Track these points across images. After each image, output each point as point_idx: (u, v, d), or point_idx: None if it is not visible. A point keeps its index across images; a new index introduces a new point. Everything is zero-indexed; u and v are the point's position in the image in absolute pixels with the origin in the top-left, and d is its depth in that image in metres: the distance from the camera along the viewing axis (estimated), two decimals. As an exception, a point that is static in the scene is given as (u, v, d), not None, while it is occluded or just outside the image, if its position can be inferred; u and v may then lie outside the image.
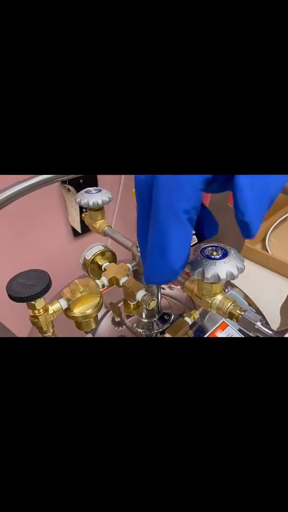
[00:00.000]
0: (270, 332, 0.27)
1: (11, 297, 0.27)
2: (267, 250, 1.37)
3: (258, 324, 0.27)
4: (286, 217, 1.48)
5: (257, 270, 1.27)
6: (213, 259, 0.27)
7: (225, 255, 0.28)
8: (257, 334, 0.27)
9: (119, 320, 0.52)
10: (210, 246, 0.29)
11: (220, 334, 0.43)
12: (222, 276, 0.26)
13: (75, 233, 0.95)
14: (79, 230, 0.88)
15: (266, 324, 0.28)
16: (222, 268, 0.26)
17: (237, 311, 0.29)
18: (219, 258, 0.27)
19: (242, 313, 0.28)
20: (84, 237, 0.98)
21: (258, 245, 1.44)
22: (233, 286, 0.62)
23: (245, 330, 0.30)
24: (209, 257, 0.27)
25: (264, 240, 1.44)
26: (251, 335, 0.28)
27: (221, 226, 0.49)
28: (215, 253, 0.28)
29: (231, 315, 0.29)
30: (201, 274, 0.26)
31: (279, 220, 1.48)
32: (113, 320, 0.54)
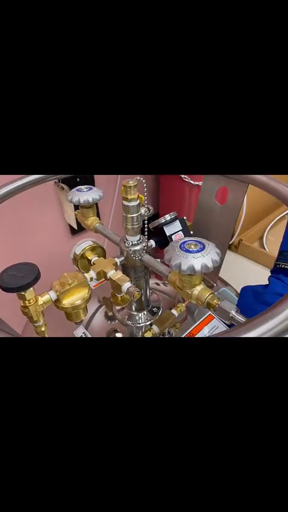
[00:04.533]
0: (243, 320, 0.28)
1: (1, 288, 0.29)
2: (264, 248, 1.38)
3: (233, 312, 0.29)
4: (284, 215, 1.49)
5: (255, 267, 1.29)
6: (191, 252, 0.29)
7: (202, 248, 0.29)
8: (232, 322, 0.29)
9: (111, 313, 0.54)
10: (191, 241, 0.31)
11: (206, 326, 0.45)
12: (197, 268, 0.28)
13: (73, 230, 0.97)
14: (75, 227, 0.90)
15: (240, 313, 0.29)
16: (198, 261, 0.28)
17: (215, 301, 0.30)
18: (196, 252, 0.29)
19: (219, 303, 0.30)
20: (81, 234, 1.00)
21: (256, 243, 1.45)
22: (226, 284, 0.64)
23: (222, 320, 0.31)
24: (187, 250, 0.29)
25: (262, 238, 1.45)
26: (227, 322, 0.29)
27: (208, 224, 0.51)
28: (193, 246, 0.30)
29: (209, 305, 0.31)
30: (179, 266, 0.28)
31: (277, 218, 1.49)
32: (105, 314, 0.56)
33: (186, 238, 0.31)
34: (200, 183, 1.06)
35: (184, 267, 0.28)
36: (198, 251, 0.29)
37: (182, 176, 1.04)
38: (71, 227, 0.95)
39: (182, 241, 0.31)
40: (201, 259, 0.28)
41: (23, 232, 0.86)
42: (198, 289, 0.31)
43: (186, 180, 1.05)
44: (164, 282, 0.62)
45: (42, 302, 0.33)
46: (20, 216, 0.82)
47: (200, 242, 0.30)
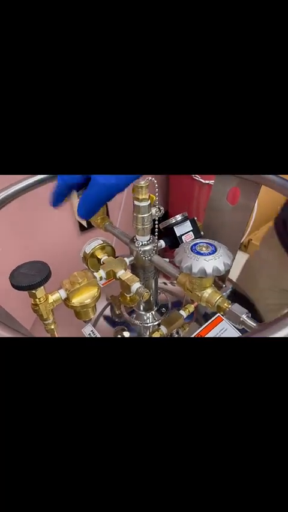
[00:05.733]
0: (254, 325, 0.28)
1: (13, 286, 0.29)
2: (274, 248, 1.36)
3: (244, 316, 0.29)
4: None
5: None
6: (202, 254, 0.28)
7: (214, 251, 0.29)
8: (243, 326, 0.29)
9: (119, 312, 0.54)
10: (202, 243, 0.30)
11: (214, 328, 0.45)
12: (209, 271, 0.27)
13: (82, 228, 0.97)
14: (85, 224, 0.91)
15: (252, 317, 0.29)
16: (209, 263, 0.28)
17: (225, 304, 0.30)
18: (208, 254, 0.28)
19: (229, 306, 0.30)
20: (90, 232, 1.00)
21: (266, 243, 1.43)
22: (235, 284, 0.63)
23: (232, 323, 0.31)
24: (198, 253, 0.29)
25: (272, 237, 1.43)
26: (237, 326, 0.29)
27: (218, 225, 0.50)
28: (204, 249, 0.29)
29: (219, 308, 0.31)
30: (189, 268, 0.28)
31: (287, 218, 1.47)
32: (113, 312, 0.56)
33: (198, 240, 0.31)
34: (211, 182, 1.05)
35: (195, 269, 0.28)
36: (209, 254, 0.29)
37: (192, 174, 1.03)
38: (80, 224, 0.96)
39: (193, 243, 0.30)
40: (213, 262, 0.28)
41: (33, 229, 0.87)
42: (209, 292, 0.31)
43: (197, 179, 1.04)
44: (172, 281, 0.62)
45: (52, 300, 0.33)
46: (29, 213, 0.83)
47: (211, 244, 0.30)
